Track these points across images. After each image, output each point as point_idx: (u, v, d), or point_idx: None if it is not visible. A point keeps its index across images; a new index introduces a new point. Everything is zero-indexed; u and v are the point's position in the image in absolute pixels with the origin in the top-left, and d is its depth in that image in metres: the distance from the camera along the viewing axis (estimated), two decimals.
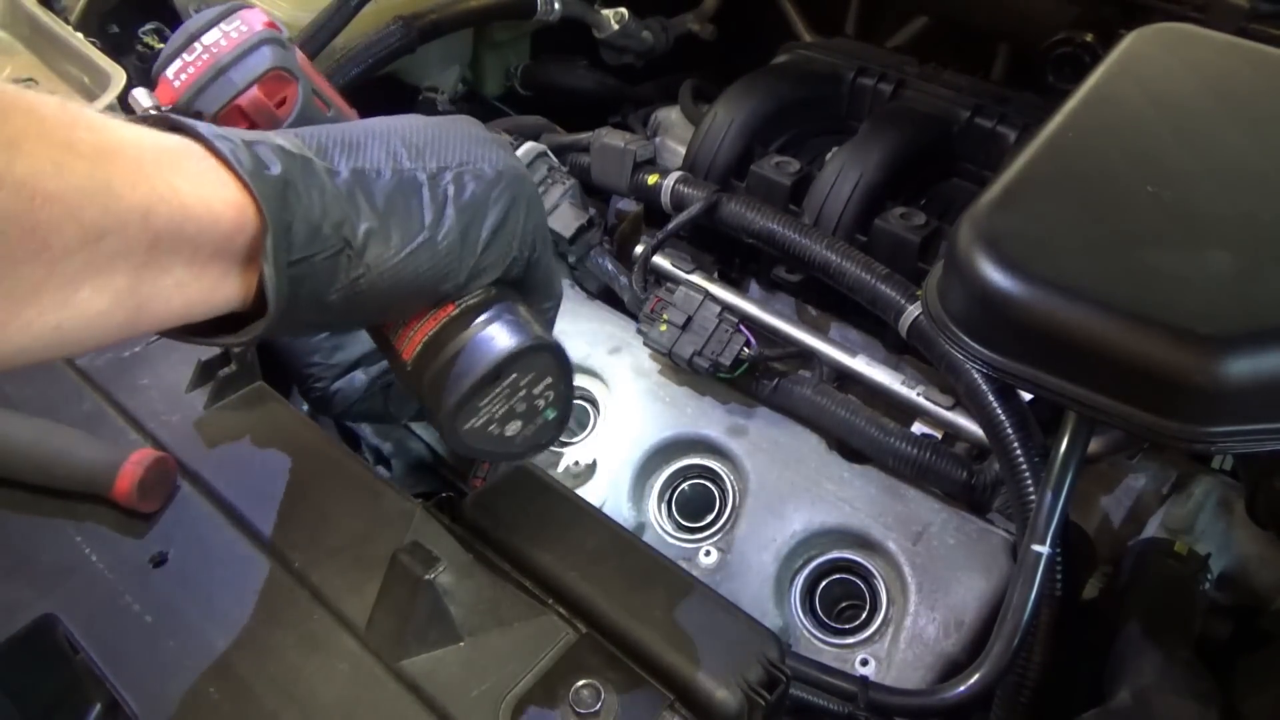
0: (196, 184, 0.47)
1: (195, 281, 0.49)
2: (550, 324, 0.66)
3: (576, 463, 1.00)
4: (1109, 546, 0.95)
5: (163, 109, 0.62)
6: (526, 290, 0.63)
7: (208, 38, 0.63)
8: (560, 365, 0.59)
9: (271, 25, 0.63)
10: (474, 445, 0.58)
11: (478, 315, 0.57)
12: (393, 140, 0.56)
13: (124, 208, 0.44)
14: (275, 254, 0.49)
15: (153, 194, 0.45)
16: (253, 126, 0.61)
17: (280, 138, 0.52)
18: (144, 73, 1.19)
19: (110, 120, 0.46)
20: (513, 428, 0.59)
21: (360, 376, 0.87)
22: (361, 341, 0.87)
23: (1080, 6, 1.11)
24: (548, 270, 0.63)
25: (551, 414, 0.61)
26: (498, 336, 0.56)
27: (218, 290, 0.50)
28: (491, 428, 0.58)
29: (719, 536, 0.95)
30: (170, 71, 0.63)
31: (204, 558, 0.70)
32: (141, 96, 0.64)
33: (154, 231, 0.45)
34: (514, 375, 0.57)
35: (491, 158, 0.58)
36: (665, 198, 1.11)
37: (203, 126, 0.49)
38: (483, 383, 0.56)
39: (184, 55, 0.63)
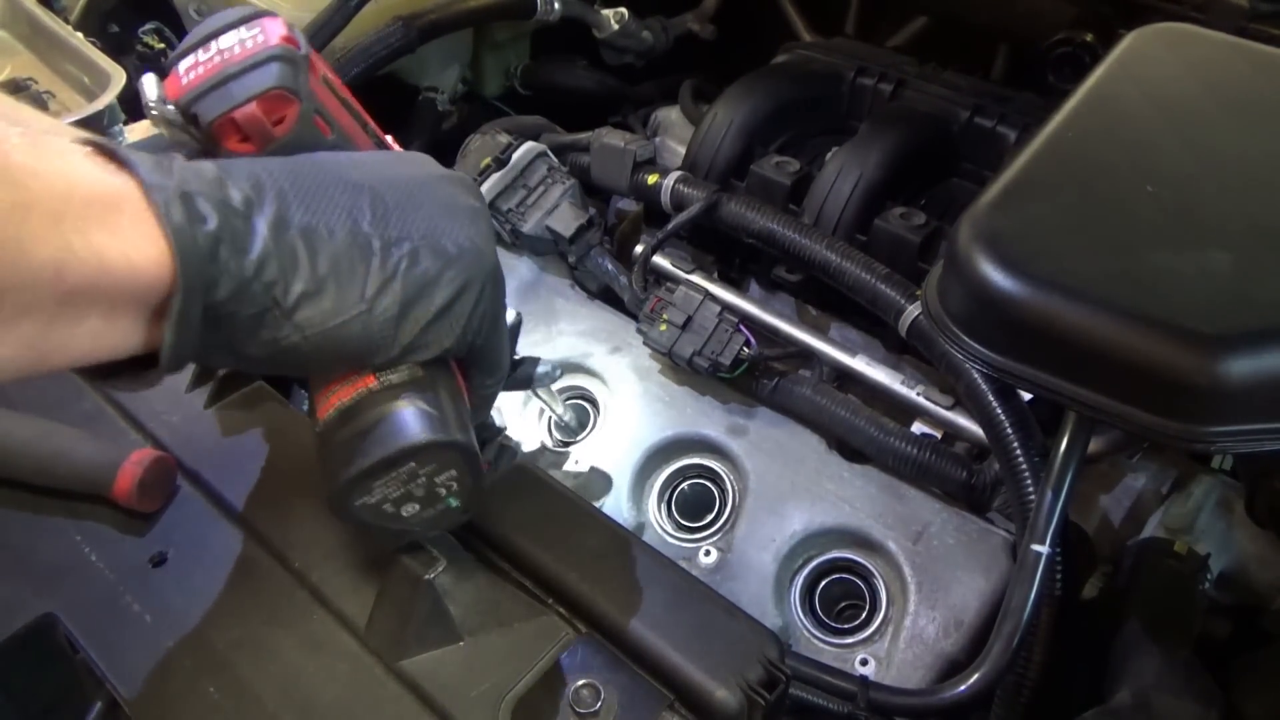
0: (122, 238, 0.46)
1: (108, 330, 0.48)
2: (490, 400, 0.65)
3: (576, 463, 1.00)
4: (1109, 546, 0.95)
5: (168, 103, 0.62)
6: (468, 366, 0.61)
7: (224, 40, 0.62)
8: (466, 461, 0.57)
9: (289, 40, 0.61)
10: (364, 519, 0.57)
11: (394, 396, 0.55)
12: (360, 198, 0.54)
13: (34, 265, 0.43)
14: (179, 317, 0.48)
15: (67, 250, 0.44)
16: (245, 140, 0.60)
17: (238, 179, 0.50)
18: (143, 73, 1.19)
19: (46, 164, 0.45)
20: (409, 509, 0.58)
21: None
22: None
23: (1080, 6, 1.11)
24: (494, 352, 0.61)
25: (454, 503, 0.59)
26: (404, 424, 0.55)
27: (130, 338, 0.49)
28: (385, 507, 0.57)
29: (719, 536, 0.95)
30: (182, 67, 0.62)
31: (204, 558, 0.70)
32: (149, 86, 0.63)
33: (66, 287, 0.44)
34: (412, 464, 0.55)
35: (457, 234, 0.56)
36: (665, 197, 1.11)
37: (144, 168, 0.48)
38: (378, 467, 0.54)
39: (198, 53, 0.62)
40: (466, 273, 0.55)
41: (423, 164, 0.61)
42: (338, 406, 0.56)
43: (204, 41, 0.62)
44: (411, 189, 0.56)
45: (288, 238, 0.50)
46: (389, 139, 0.71)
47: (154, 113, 0.62)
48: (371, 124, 0.70)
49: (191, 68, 0.62)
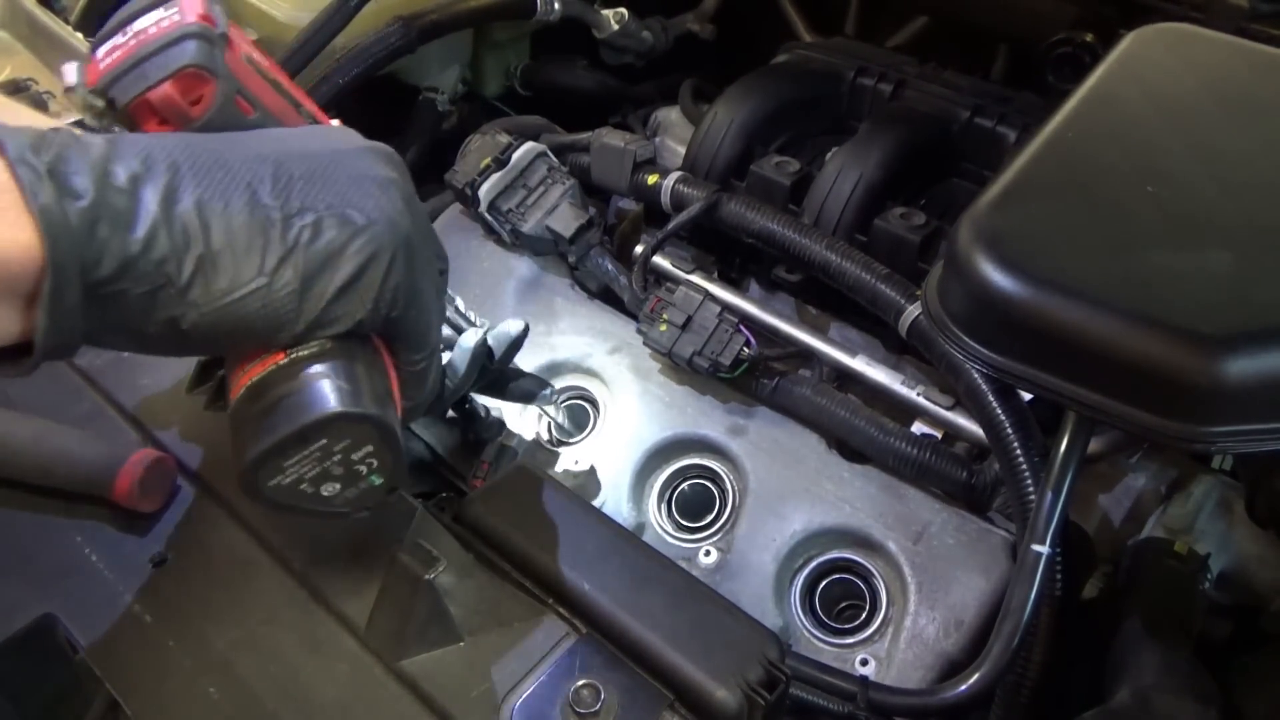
0: None
1: None
2: (420, 377, 0.62)
3: (576, 463, 1.00)
4: (1109, 546, 0.95)
5: (86, 89, 0.60)
6: (391, 341, 0.59)
7: (141, 22, 0.60)
8: (383, 436, 0.55)
9: (206, 18, 0.60)
10: (280, 501, 0.55)
11: (304, 369, 0.53)
12: (262, 169, 0.52)
13: None
14: (50, 300, 0.46)
15: None
16: (164, 123, 0.59)
17: (127, 154, 0.49)
18: None
19: None
20: (329, 489, 0.56)
21: None
22: None
23: (1080, 6, 1.11)
24: (417, 325, 0.58)
25: (377, 480, 0.57)
26: (312, 398, 0.52)
27: (6, 325, 0.47)
28: (303, 487, 0.55)
29: (719, 536, 0.95)
30: (101, 51, 0.61)
31: (204, 558, 0.70)
32: (69, 72, 0.60)
33: None
34: (324, 440, 0.53)
35: (366, 204, 0.54)
36: (665, 198, 1.11)
37: (12, 144, 0.46)
38: (286, 443, 0.52)
39: (116, 37, 0.60)
40: (375, 244, 0.53)
41: (339, 137, 0.58)
42: (247, 384, 0.54)
43: (123, 24, 0.61)
44: (320, 160, 0.54)
45: (178, 212, 0.49)
46: (334, 123, 0.68)
47: (78, 100, 0.60)
48: (308, 105, 0.68)
49: (109, 52, 0.60)
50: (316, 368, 0.53)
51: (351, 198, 0.53)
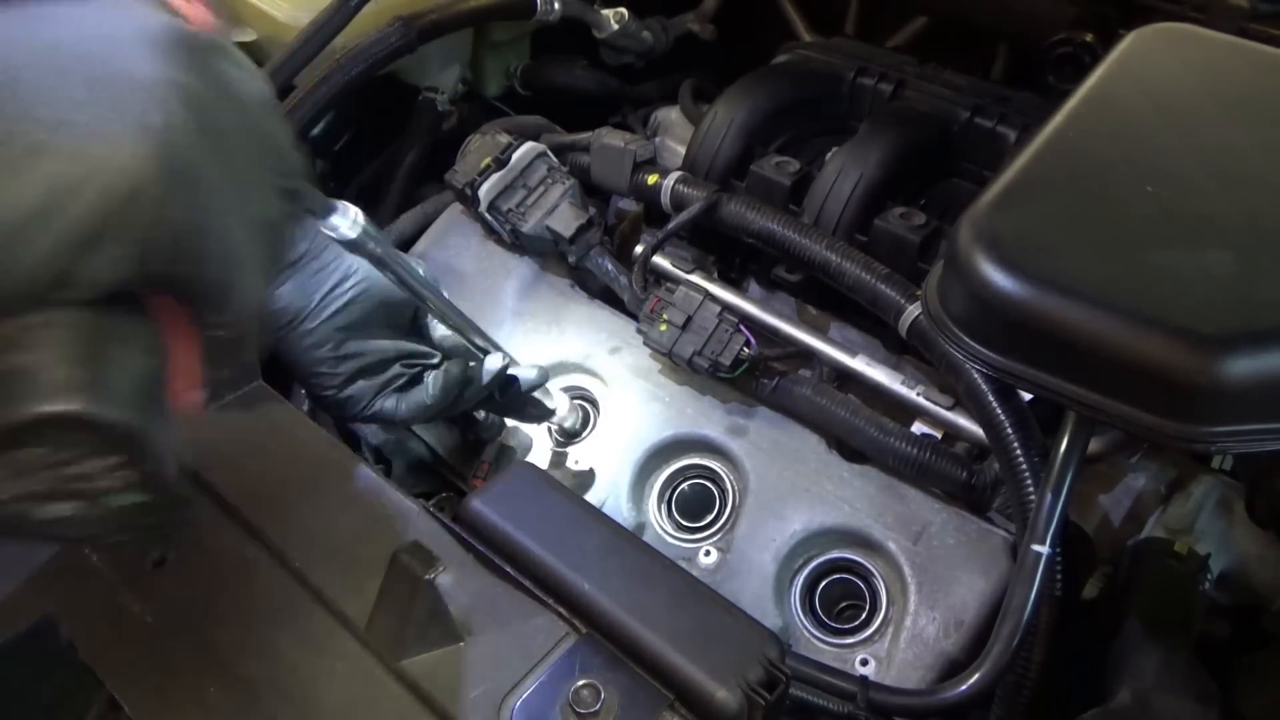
0: None
1: None
2: (238, 348, 0.49)
3: (576, 463, 1.00)
4: (1109, 546, 0.95)
5: None
6: (182, 299, 0.43)
7: None
8: (133, 441, 0.41)
9: None
10: None
11: (10, 352, 0.39)
12: None
13: None
14: None
15: None
16: None
17: None
18: None
19: None
20: (59, 510, 0.42)
21: (364, 384, 0.87)
22: (366, 350, 0.86)
23: (1080, 6, 1.11)
24: (214, 276, 0.42)
25: (137, 497, 0.43)
26: (16, 393, 0.38)
27: None
28: (13, 508, 0.41)
29: (719, 536, 0.95)
30: None
31: (204, 558, 0.70)
32: None
33: None
34: (38, 449, 0.40)
35: (115, 122, 0.38)
36: (665, 198, 1.11)
37: None
38: None
39: None
40: (128, 175, 0.38)
41: (112, 20, 0.41)
42: None
43: None
44: (65, 57, 0.39)
45: None
46: None
47: None
48: None
49: None
50: (27, 350, 0.39)
51: (99, 109, 0.38)
